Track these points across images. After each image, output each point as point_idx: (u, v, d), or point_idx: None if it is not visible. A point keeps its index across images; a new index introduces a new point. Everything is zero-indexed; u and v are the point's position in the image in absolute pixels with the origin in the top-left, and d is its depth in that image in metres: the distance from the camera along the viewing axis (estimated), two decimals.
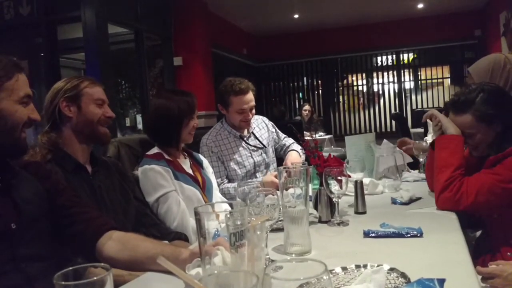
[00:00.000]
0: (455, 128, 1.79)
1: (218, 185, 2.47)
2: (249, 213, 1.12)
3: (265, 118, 2.99)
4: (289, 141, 2.97)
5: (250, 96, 2.65)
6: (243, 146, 2.73)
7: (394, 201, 1.85)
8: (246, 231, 0.84)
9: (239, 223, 0.85)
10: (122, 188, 1.82)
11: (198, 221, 0.89)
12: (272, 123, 2.98)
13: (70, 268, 0.65)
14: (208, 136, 2.72)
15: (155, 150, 2.10)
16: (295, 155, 2.76)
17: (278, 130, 2.98)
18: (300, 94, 10.19)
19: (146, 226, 1.85)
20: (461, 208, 1.61)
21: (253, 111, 2.70)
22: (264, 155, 2.77)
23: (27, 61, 4.86)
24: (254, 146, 2.76)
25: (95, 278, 0.62)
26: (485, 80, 2.04)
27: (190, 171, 2.16)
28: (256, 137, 2.79)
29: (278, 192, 1.29)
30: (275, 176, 2.33)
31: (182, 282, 1.07)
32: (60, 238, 1.33)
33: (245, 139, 2.76)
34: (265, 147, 2.79)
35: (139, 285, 1.14)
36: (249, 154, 2.72)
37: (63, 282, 0.61)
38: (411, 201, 1.84)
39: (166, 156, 2.09)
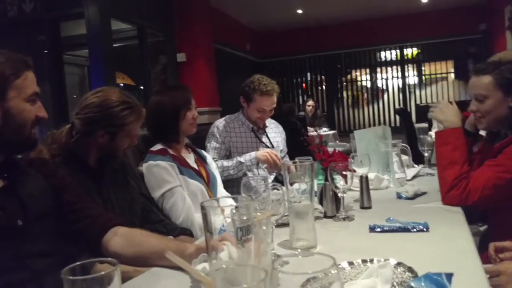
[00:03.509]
0: (453, 120, 1.76)
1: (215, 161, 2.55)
2: (255, 208, 1.12)
3: (280, 126, 3.06)
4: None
5: (274, 99, 2.75)
6: (252, 140, 2.79)
7: (399, 196, 1.85)
8: (252, 226, 0.84)
9: (245, 218, 0.84)
10: (128, 185, 1.82)
11: (204, 216, 0.88)
12: (285, 135, 3.05)
13: (78, 263, 0.65)
14: (221, 121, 2.84)
15: (159, 146, 2.11)
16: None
17: (285, 144, 3.03)
18: (304, 90, 10.16)
19: (152, 222, 1.86)
20: (469, 204, 1.60)
21: (272, 111, 2.80)
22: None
23: (31, 58, 4.85)
24: (263, 143, 2.80)
25: (102, 273, 0.62)
26: None
27: (195, 166, 2.18)
28: (267, 136, 2.84)
29: (284, 187, 1.29)
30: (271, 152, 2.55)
31: (187, 277, 1.08)
32: (66, 235, 1.33)
33: (256, 133, 2.81)
34: (273, 147, 2.83)
35: (145, 281, 1.14)
36: (256, 149, 2.75)
37: (71, 277, 0.61)
38: (416, 195, 1.84)
39: (171, 152, 2.09)
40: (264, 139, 2.85)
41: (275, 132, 2.96)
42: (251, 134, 2.80)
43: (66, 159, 1.60)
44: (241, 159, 2.60)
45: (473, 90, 1.75)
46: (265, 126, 2.88)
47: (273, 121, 3.02)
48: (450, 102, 1.87)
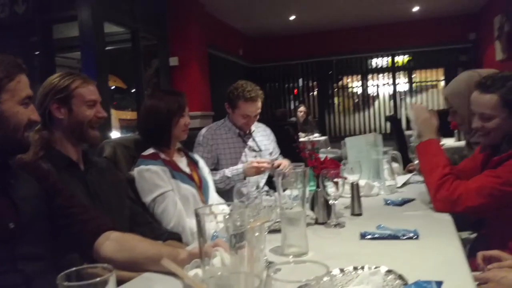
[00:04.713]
0: (429, 132, 1.84)
1: None
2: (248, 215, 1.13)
3: (267, 128, 3.07)
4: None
5: (258, 104, 2.76)
6: (239, 144, 2.80)
7: (387, 203, 1.88)
8: (246, 233, 0.85)
9: (238, 224, 0.85)
10: (115, 187, 1.82)
11: (198, 222, 0.89)
12: (274, 136, 3.05)
13: (73, 268, 0.65)
14: (208, 129, 2.83)
15: (151, 150, 2.11)
16: (288, 161, 2.79)
17: (276, 145, 3.04)
18: (296, 95, 10.19)
19: (140, 225, 1.85)
20: (460, 210, 1.61)
21: (257, 117, 2.81)
22: (258, 158, 2.81)
23: (22, 60, 4.82)
24: (250, 147, 2.81)
25: (98, 279, 0.62)
26: (465, 104, 1.95)
27: (187, 170, 2.18)
28: (254, 140, 2.84)
29: (276, 194, 1.30)
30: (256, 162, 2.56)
31: (180, 282, 1.08)
32: (58, 238, 1.32)
33: (243, 138, 2.80)
34: (261, 150, 2.84)
35: (138, 286, 1.14)
36: (244, 153, 2.77)
37: (66, 283, 0.61)
38: (404, 202, 1.87)
39: (162, 156, 2.09)
40: (251, 143, 2.85)
41: (262, 136, 2.96)
42: (238, 139, 2.81)
43: (49, 155, 1.60)
44: (228, 173, 2.60)
45: (477, 108, 1.74)
46: (251, 131, 2.89)
47: (260, 124, 3.02)
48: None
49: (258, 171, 2.55)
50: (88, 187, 1.67)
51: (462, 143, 2.30)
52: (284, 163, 2.69)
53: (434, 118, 1.91)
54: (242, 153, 2.77)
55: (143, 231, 1.78)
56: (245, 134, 2.85)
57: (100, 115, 1.73)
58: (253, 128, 2.88)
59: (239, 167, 2.62)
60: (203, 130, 2.81)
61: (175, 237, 1.90)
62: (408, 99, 9.49)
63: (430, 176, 1.73)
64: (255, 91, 2.72)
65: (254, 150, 2.83)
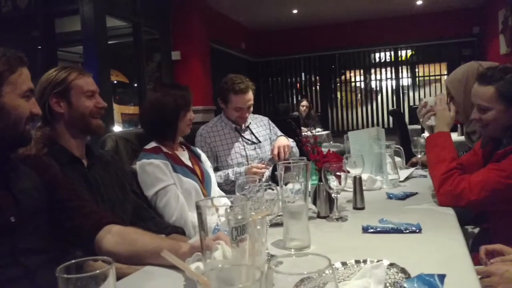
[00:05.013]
0: (443, 126, 1.85)
1: None
2: (249, 208, 1.12)
3: (264, 118, 3.05)
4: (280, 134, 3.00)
5: (249, 95, 2.72)
6: (237, 139, 2.79)
7: (389, 196, 1.87)
8: (247, 226, 0.84)
9: (240, 217, 0.85)
10: (119, 181, 1.81)
11: (200, 215, 0.88)
12: (271, 123, 3.04)
13: (73, 261, 0.65)
14: (204, 127, 2.80)
15: (153, 144, 2.11)
16: (283, 139, 2.78)
17: (276, 128, 3.03)
18: (298, 90, 10.17)
19: (143, 219, 1.85)
20: (463, 204, 1.61)
21: (251, 108, 2.78)
22: (258, 150, 2.80)
23: (24, 54, 4.82)
24: (249, 140, 2.79)
25: (97, 271, 0.61)
26: (461, 91, 2.04)
27: (189, 163, 2.18)
28: (252, 132, 2.83)
29: (278, 187, 1.30)
30: (256, 167, 2.54)
31: (181, 275, 1.08)
32: (59, 232, 1.32)
33: (240, 132, 2.80)
34: (260, 142, 2.82)
35: (139, 279, 1.13)
36: (242, 147, 2.76)
37: (65, 275, 0.61)
38: (406, 195, 1.86)
39: (164, 150, 2.09)
40: (249, 136, 2.84)
41: (259, 126, 2.93)
42: (235, 134, 2.79)
43: (52, 151, 1.60)
44: (232, 177, 2.59)
45: (475, 99, 1.74)
46: (246, 124, 2.85)
47: (255, 116, 2.99)
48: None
49: (258, 174, 2.52)
50: (91, 183, 1.67)
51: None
52: (281, 145, 2.65)
53: (448, 110, 1.92)
54: (240, 147, 2.76)
55: (146, 225, 1.79)
56: (241, 128, 2.83)
57: (100, 105, 1.73)
58: (249, 121, 2.86)
59: (242, 170, 2.61)
60: (201, 129, 2.79)
61: (179, 231, 1.90)
62: (411, 93, 9.46)
63: (436, 170, 1.73)
64: (245, 83, 2.70)
65: (253, 143, 2.81)
